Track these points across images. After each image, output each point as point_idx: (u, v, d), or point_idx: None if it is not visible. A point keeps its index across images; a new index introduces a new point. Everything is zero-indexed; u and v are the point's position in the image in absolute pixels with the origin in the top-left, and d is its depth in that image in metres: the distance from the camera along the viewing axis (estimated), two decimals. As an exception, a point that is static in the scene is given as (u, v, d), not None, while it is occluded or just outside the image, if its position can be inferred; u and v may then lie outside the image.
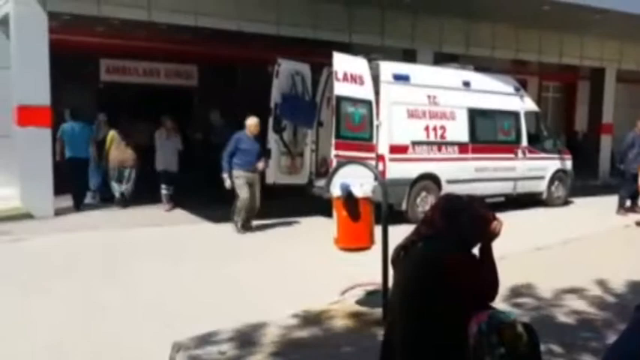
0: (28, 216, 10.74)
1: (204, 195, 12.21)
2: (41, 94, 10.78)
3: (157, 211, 11.81)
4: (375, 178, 8.21)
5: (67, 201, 11.61)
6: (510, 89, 13.21)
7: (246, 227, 10.17)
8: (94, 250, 8.67)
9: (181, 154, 12.26)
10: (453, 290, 2.62)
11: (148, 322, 5.70)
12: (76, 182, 11.79)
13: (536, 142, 13.47)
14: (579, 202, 14.30)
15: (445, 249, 2.72)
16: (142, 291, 6.72)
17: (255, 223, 10.32)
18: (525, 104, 13.40)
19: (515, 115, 13.01)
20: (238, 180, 10.02)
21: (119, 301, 6.35)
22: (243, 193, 9.97)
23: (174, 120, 12.46)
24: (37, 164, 10.82)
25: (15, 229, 9.90)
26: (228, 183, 10.04)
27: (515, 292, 6.29)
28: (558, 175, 13.81)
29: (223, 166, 10.03)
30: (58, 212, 11.07)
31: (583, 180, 15.91)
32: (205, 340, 4.91)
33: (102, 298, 6.43)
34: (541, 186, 13.59)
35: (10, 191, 11.49)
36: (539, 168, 13.45)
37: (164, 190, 12.02)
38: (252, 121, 10.37)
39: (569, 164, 14.14)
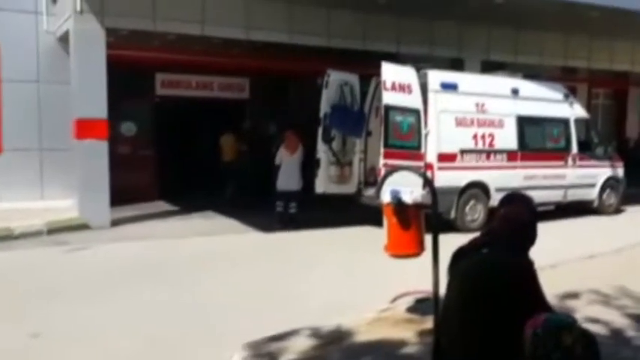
0: (84, 226, 11.00)
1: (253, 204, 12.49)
2: (99, 108, 11.15)
3: (204, 220, 12.16)
4: (425, 186, 8.32)
5: (123, 212, 11.98)
6: (559, 96, 13.07)
7: None
8: (151, 259, 8.92)
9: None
10: (519, 295, 2.69)
11: (201, 327, 5.90)
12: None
13: (586, 149, 13.28)
14: (631, 210, 14.05)
15: (510, 255, 2.82)
16: (199, 297, 6.93)
17: (305, 233, 10.38)
18: (575, 111, 13.25)
19: (564, 122, 12.88)
20: None
21: (179, 307, 6.58)
22: None
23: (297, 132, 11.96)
24: (95, 175, 11.17)
25: (72, 239, 10.24)
26: None
27: (568, 297, 6.28)
28: (610, 183, 13.60)
29: None
30: (115, 223, 11.39)
31: (635, 188, 15.58)
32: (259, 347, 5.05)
33: (161, 304, 6.66)
34: (592, 194, 13.39)
35: (68, 203, 11.91)
36: (590, 175, 13.26)
37: (291, 210, 11.57)
38: None
39: (620, 171, 13.90)
